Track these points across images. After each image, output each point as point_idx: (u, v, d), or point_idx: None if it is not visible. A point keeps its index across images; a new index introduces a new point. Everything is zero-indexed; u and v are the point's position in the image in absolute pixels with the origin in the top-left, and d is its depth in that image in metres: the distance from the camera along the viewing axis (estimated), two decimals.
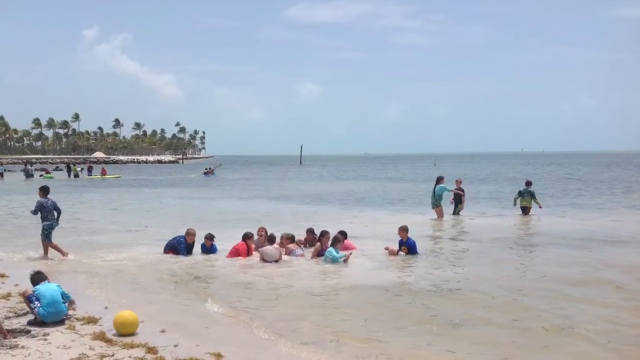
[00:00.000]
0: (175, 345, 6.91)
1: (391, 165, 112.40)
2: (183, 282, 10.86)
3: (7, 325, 7.59)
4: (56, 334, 7.35)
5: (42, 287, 8.01)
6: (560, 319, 8.21)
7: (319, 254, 12.86)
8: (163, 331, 7.54)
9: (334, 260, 12.30)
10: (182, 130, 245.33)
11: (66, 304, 8.09)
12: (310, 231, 14.42)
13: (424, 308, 8.91)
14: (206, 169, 67.43)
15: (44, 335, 7.26)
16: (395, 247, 13.34)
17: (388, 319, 8.33)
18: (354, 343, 7.24)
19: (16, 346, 6.80)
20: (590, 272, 11.56)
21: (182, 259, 12.87)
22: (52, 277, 9.11)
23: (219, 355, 6.59)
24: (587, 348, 7.11)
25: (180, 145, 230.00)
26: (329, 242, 12.85)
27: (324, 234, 13.21)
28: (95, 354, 6.56)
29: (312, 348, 7.02)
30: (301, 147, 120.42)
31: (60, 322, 7.84)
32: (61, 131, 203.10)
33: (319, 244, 13.12)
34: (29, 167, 61.43)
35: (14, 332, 7.32)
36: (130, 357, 6.50)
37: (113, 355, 6.56)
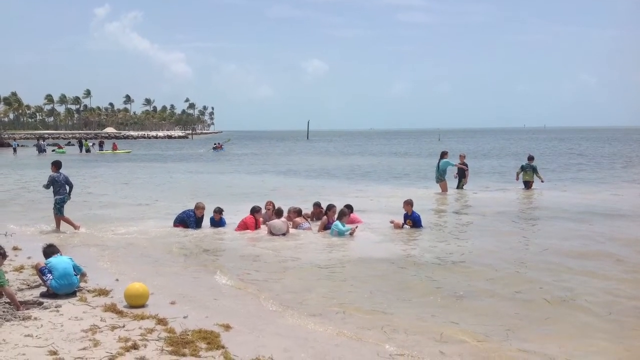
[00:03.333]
0: (184, 317, 7.05)
1: (396, 140, 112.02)
2: (192, 255, 11.01)
3: (20, 297, 7.74)
4: (68, 306, 7.48)
5: (55, 260, 8.13)
6: (562, 291, 8.30)
7: (326, 227, 12.97)
8: (173, 303, 7.66)
9: (340, 234, 12.42)
10: (192, 106, 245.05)
11: (78, 277, 8.22)
12: (317, 205, 14.53)
13: (428, 280, 9.00)
14: (215, 144, 67.69)
15: (56, 307, 7.38)
16: (400, 220, 13.43)
17: (393, 291, 8.44)
18: (360, 314, 7.35)
19: (29, 317, 6.94)
20: (591, 245, 11.64)
21: (192, 232, 13.03)
22: (64, 250, 9.26)
23: (227, 327, 6.70)
24: (588, 319, 7.20)
25: (189, 120, 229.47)
26: (336, 216, 12.95)
27: (331, 207, 13.30)
28: (106, 325, 6.68)
29: (319, 319, 7.13)
30: (308, 122, 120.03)
31: (72, 294, 7.98)
32: (73, 107, 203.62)
33: (325, 217, 13.23)
34: (41, 142, 61.80)
35: (27, 304, 7.46)
36: (140, 328, 6.61)
37: (124, 326, 6.67)
